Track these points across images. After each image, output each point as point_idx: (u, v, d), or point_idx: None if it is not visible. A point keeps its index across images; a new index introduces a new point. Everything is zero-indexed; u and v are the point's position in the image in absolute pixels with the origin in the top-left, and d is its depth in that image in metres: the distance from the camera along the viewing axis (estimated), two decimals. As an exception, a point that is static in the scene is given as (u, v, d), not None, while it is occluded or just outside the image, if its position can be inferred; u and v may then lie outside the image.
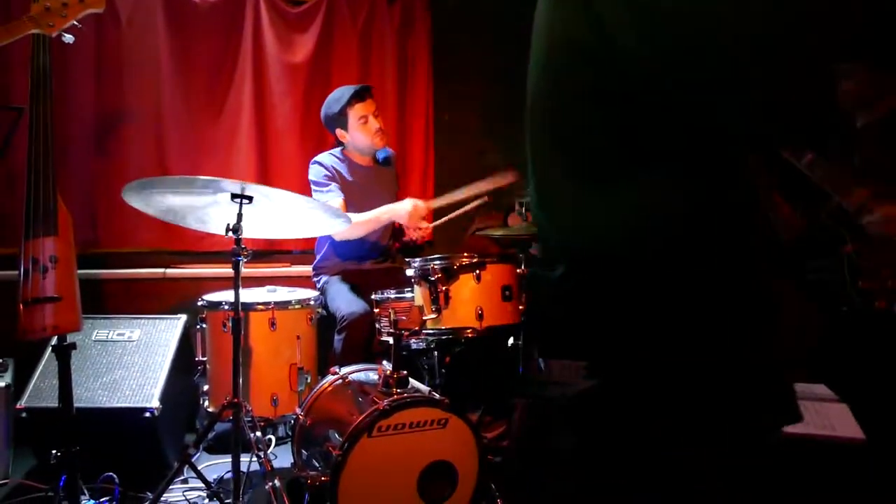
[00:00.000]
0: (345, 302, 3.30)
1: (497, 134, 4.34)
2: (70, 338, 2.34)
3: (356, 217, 3.34)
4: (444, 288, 2.69)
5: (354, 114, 3.50)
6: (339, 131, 3.56)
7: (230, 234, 2.50)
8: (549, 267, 1.21)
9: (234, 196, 2.49)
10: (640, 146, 1.07)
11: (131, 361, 3.01)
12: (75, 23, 2.37)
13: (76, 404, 2.40)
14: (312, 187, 3.50)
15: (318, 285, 3.62)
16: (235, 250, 2.50)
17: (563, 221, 1.20)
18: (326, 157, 3.59)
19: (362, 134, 3.52)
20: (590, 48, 1.07)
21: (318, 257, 3.69)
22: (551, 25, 1.16)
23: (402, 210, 3.36)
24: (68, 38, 2.37)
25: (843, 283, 2.60)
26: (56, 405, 2.34)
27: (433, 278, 2.69)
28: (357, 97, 3.50)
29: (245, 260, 2.52)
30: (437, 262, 2.74)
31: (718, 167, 1.09)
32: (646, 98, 1.03)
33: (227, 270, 2.54)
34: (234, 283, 2.53)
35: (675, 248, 1.08)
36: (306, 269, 3.87)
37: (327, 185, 3.48)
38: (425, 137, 4.25)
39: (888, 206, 2.46)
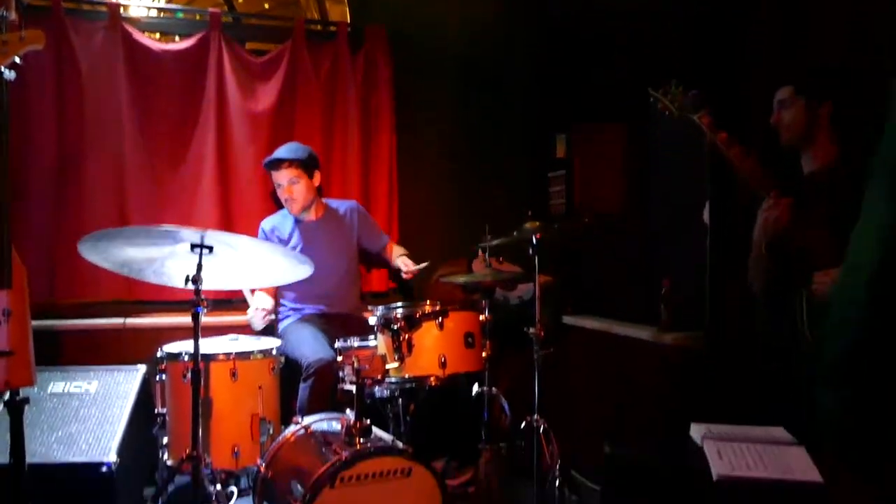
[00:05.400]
0: (310, 348, 3.28)
1: (459, 181, 4.40)
2: (24, 391, 2.29)
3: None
4: (406, 336, 2.69)
5: (274, 179, 3.70)
6: None
7: (189, 284, 2.49)
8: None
9: (193, 246, 2.48)
10: None
11: (88, 414, 2.94)
12: (17, 59, 2.36)
13: (30, 460, 2.34)
14: None
15: (279, 330, 3.60)
16: (195, 301, 2.48)
17: None
18: (268, 221, 3.80)
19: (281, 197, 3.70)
20: None
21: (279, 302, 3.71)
22: None
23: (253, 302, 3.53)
24: (9, 74, 2.36)
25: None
26: (7, 462, 2.28)
27: (396, 326, 2.69)
28: (270, 166, 3.67)
29: (205, 311, 2.50)
30: (400, 310, 2.74)
31: None
32: None
33: (189, 319, 2.52)
34: (194, 334, 2.50)
35: None
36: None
37: None
38: (389, 184, 4.26)
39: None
